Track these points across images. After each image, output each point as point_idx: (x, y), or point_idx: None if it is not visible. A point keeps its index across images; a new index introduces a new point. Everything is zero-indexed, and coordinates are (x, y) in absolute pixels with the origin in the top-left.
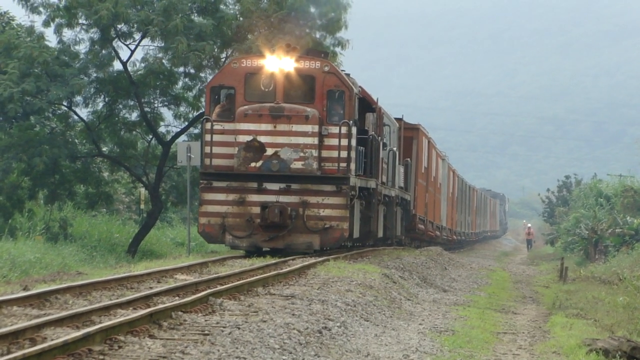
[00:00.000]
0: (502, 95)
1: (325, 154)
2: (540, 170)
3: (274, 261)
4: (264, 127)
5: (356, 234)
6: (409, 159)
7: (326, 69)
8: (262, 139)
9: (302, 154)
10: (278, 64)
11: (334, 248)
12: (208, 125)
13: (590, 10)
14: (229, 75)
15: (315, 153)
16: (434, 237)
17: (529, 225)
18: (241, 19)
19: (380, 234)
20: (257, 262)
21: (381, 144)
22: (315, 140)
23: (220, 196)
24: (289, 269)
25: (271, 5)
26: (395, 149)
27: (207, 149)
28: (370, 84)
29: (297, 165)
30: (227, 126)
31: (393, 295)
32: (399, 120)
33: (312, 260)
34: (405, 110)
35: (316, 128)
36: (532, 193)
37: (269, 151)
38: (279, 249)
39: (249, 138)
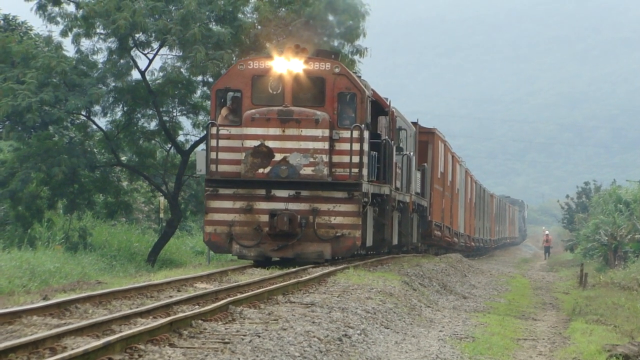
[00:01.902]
0: (521, 102)
1: (336, 159)
2: (560, 177)
3: (293, 269)
4: (272, 131)
5: (369, 243)
6: (425, 164)
7: (337, 70)
8: (270, 143)
9: (312, 160)
10: (286, 65)
11: (346, 257)
12: (213, 130)
13: (608, 17)
14: (235, 77)
15: (325, 158)
16: (452, 244)
17: (547, 232)
18: (259, 27)
19: (395, 241)
20: (277, 270)
21: (395, 148)
22: (326, 145)
23: (227, 204)
24: (308, 277)
25: (289, 13)
26: (411, 153)
27: (213, 155)
28: (389, 92)
29: (307, 171)
30: (234, 131)
31: (413, 302)
32: (414, 124)
33: (332, 268)
34: (423, 118)
35: (327, 132)
36: (552, 200)
37: (278, 156)
38: (289, 259)
39: (256, 143)
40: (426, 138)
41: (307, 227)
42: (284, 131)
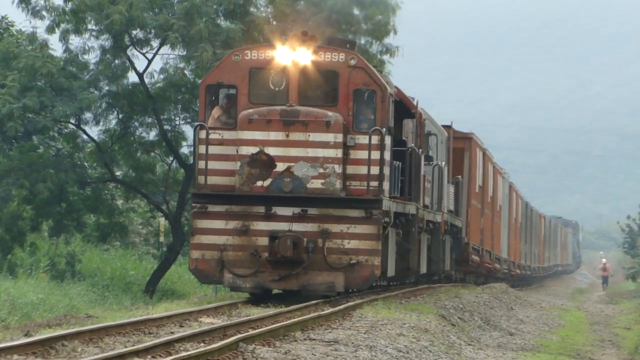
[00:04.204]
0: (575, 109)
1: (351, 170)
2: (620, 195)
3: (313, 301)
4: (274, 135)
5: (391, 272)
6: (459, 176)
7: (352, 62)
8: (271, 151)
9: (321, 170)
10: (291, 56)
11: (362, 289)
12: (202, 134)
13: None
14: (230, 70)
15: (338, 169)
16: (493, 271)
17: (604, 260)
18: (274, 22)
19: (424, 269)
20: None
21: (423, 157)
22: (339, 153)
23: (218, 223)
24: (331, 310)
25: (309, 7)
26: (442, 163)
27: (202, 164)
28: (423, 98)
29: (316, 184)
30: (227, 135)
31: (452, 339)
32: (447, 128)
33: (358, 300)
34: (463, 128)
35: (340, 137)
36: (610, 221)
37: (280, 166)
38: (293, 291)
39: (254, 150)
40: (462, 145)
41: (315, 252)
42: (287, 135)
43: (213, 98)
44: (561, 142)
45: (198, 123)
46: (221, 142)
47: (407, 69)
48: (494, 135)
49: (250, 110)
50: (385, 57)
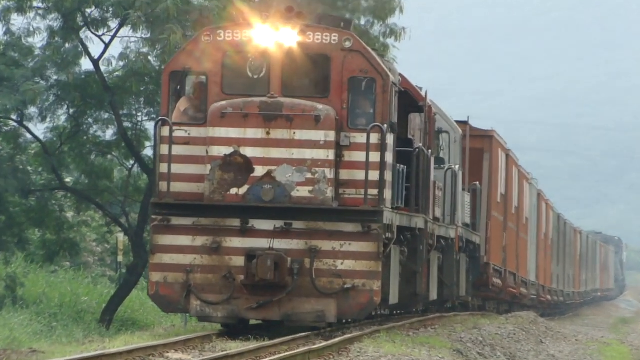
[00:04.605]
0: (615, 103)
1: (345, 175)
2: None
3: (303, 333)
4: (252, 133)
5: (394, 299)
6: (477, 183)
7: (347, 44)
8: (249, 151)
9: (309, 176)
10: (273, 37)
11: (359, 320)
12: (165, 131)
13: None
14: (199, 54)
15: (329, 174)
16: (518, 297)
17: None
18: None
19: (434, 295)
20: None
21: (433, 159)
22: (331, 155)
23: (183, 240)
24: (324, 343)
25: None
26: (456, 167)
27: (164, 167)
28: (434, 89)
29: (303, 192)
30: (195, 132)
31: None
32: (462, 125)
33: (357, 332)
34: (481, 125)
35: (331, 135)
36: None
37: (259, 171)
38: (274, 322)
39: (227, 150)
40: (480, 144)
41: (301, 275)
42: (268, 133)
43: (178, 87)
44: (599, 142)
45: (160, 118)
46: (188, 141)
47: (415, 56)
48: (518, 133)
49: (224, 103)
50: (389, 41)
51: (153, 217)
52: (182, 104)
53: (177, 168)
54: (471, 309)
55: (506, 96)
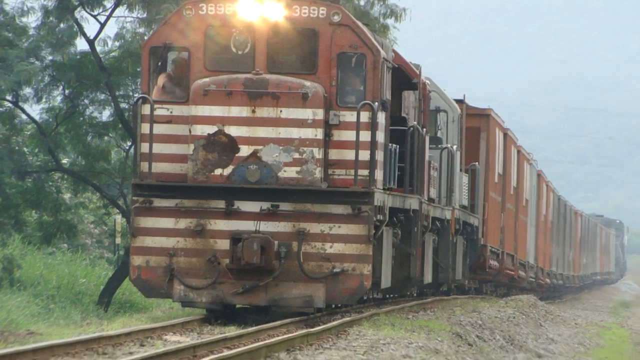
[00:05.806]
0: (623, 88)
1: (334, 155)
2: None
3: (304, 317)
4: (236, 111)
5: (386, 282)
6: (476, 163)
7: (336, 18)
8: (233, 130)
9: (297, 156)
10: (259, 10)
11: (348, 304)
12: (146, 109)
13: None
14: (181, 28)
15: (318, 154)
16: (515, 280)
17: None
18: None
19: (429, 278)
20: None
21: (428, 138)
22: (319, 134)
23: (166, 222)
24: (322, 326)
25: None
26: (453, 147)
27: (145, 147)
28: (437, 72)
29: (290, 173)
30: (177, 110)
31: None
32: (459, 103)
33: (356, 315)
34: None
35: (320, 114)
36: None
37: (244, 150)
38: (260, 307)
39: (211, 129)
40: (477, 123)
41: (288, 258)
42: (254, 112)
43: (159, 64)
44: (604, 126)
45: (140, 95)
46: (170, 120)
47: (417, 38)
48: (524, 117)
49: (207, 80)
50: (389, 22)
51: (134, 198)
52: (163, 81)
53: (159, 148)
54: (467, 292)
55: (512, 80)
